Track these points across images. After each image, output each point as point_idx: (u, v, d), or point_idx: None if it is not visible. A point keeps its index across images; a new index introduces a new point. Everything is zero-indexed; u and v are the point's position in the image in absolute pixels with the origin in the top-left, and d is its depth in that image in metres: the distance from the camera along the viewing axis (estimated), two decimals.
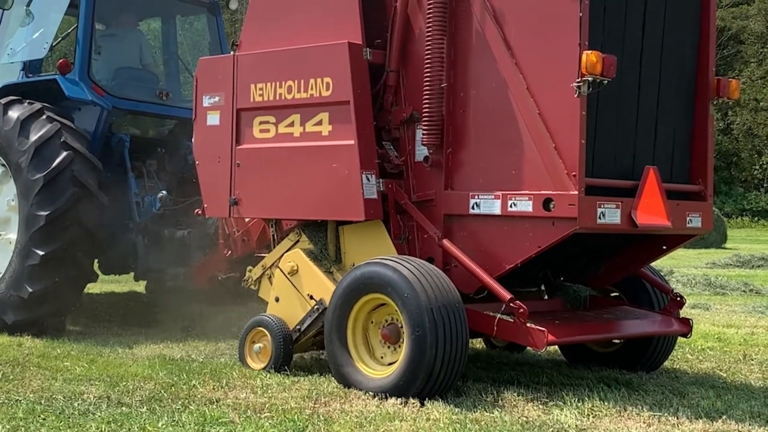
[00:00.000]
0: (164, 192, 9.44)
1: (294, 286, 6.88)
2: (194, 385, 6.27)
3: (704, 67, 6.75)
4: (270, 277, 7.29)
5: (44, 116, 8.70)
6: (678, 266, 17.28)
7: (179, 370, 6.79)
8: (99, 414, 5.43)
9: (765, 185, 45.23)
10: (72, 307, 9.00)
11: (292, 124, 6.95)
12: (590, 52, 5.72)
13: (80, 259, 8.61)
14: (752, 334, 9.36)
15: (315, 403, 5.79)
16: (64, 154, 8.46)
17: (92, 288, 10.77)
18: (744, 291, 13.87)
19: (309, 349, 7.09)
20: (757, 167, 45.48)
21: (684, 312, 7.16)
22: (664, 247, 6.88)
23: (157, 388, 6.17)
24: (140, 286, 11.41)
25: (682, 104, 6.73)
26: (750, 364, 7.70)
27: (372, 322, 6.26)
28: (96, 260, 9.38)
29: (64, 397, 5.87)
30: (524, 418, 5.51)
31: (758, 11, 47.80)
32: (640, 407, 5.81)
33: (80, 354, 7.60)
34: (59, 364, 7.11)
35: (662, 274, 7.68)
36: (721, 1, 45.70)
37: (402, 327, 5.95)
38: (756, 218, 43.57)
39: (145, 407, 5.62)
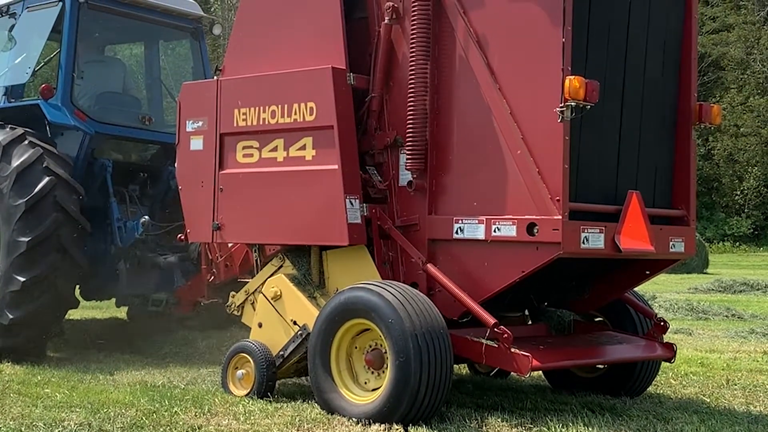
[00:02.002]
0: (147, 217, 9.40)
1: (277, 311, 6.84)
2: (176, 411, 6.22)
3: (686, 92, 6.79)
4: (253, 302, 7.25)
5: (26, 141, 8.66)
6: (660, 291, 17.31)
7: (161, 397, 6.73)
8: None
9: (746, 210, 45.47)
10: (53, 334, 8.93)
11: (275, 149, 6.94)
12: (573, 77, 5.74)
13: (61, 285, 8.54)
14: (735, 359, 9.37)
15: (298, 430, 5.75)
16: (47, 179, 8.42)
17: (73, 314, 10.68)
18: (726, 316, 13.89)
19: (292, 375, 7.05)
20: (738, 193, 45.74)
21: (667, 337, 7.16)
22: (648, 272, 6.89)
23: (138, 414, 6.11)
24: (122, 312, 11.33)
25: (665, 129, 6.76)
26: (733, 389, 7.70)
27: (356, 348, 6.23)
28: (77, 286, 9.31)
29: (45, 424, 5.81)
30: None
31: (738, 38, 48.23)
32: None
33: (61, 380, 7.53)
34: (40, 390, 7.04)
35: (645, 299, 7.68)
36: (701, 27, 46.11)
37: (386, 353, 5.92)
38: (737, 243, 43.77)
39: None
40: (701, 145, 44.95)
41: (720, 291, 19.06)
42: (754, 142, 45.96)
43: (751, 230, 44.91)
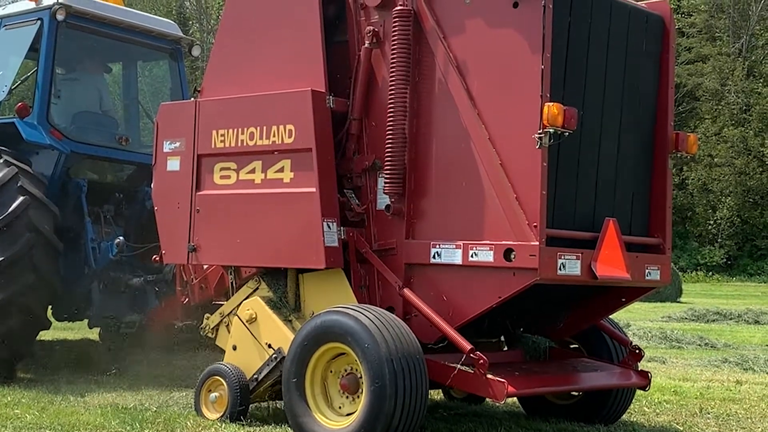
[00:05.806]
0: (121, 238, 9.35)
1: (252, 334, 6.80)
2: None
3: (663, 121, 6.83)
4: (228, 324, 7.20)
5: (1, 160, 8.60)
6: (634, 319, 17.35)
7: (132, 419, 6.66)
8: None
9: (719, 240, 45.75)
10: (24, 355, 8.83)
11: (253, 171, 6.92)
12: (552, 104, 5.77)
13: (34, 306, 8.47)
14: (708, 388, 9.39)
15: None
16: (21, 199, 8.36)
17: (44, 335, 10.57)
18: (699, 345, 13.94)
19: (266, 399, 6.99)
20: (712, 222, 46.02)
21: (640, 365, 7.16)
22: (623, 300, 6.91)
23: None
24: (94, 334, 11.23)
25: (642, 157, 6.80)
26: (706, 417, 7.72)
27: (331, 372, 6.19)
28: (50, 306, 9.22)
29: None
30: None
31: (713, 69, 48.66)
32: None
33: (31, 402, 7.44)
34: (9, 411, 6.96)
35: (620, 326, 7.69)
36: (677, 57, 46.50)
37: (361, 377, 5.89)
38: (710, 273, 43.97)
39: None
40: (675, 174, 45.16)
41: (693, 320, 19.13)
42: (728, 173, 46.33)
43: (724, 260, 45.16)
